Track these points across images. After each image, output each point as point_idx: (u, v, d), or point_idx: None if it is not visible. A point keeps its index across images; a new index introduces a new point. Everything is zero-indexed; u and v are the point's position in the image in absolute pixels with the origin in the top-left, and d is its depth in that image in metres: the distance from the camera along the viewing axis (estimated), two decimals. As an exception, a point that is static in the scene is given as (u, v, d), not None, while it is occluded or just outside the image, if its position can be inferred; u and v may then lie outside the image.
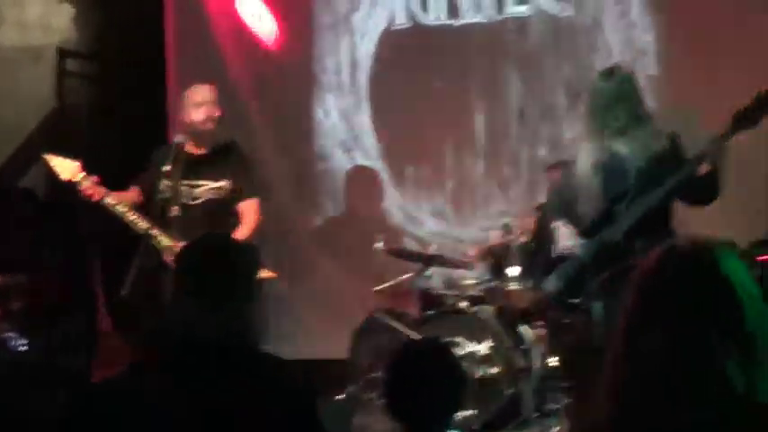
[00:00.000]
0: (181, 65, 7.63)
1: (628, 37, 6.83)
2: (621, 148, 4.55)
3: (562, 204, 4.81)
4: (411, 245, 7.04)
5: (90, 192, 4.92)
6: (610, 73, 4.76)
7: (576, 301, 4.61)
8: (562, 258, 4.67)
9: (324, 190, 7.52)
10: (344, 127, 7.54)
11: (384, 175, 7.40)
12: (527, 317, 5.83)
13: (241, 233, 5.17)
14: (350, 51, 7.52)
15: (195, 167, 5.19)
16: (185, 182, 5.13)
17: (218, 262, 2.67)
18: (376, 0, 7.43)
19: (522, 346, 5.75)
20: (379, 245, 6.32)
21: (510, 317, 5.83)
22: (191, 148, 5.23)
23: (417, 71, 7.30)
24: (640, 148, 4.53)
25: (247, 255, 2.80)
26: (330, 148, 7.54)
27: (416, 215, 7.26)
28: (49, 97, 7.32)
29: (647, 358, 1.87)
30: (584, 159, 4.63)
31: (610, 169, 4.56)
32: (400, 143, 7.39)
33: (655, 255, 1.95)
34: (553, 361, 5.69)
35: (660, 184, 4.47)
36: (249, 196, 5.30)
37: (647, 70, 6.68)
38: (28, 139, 6.93)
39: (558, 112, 7.00)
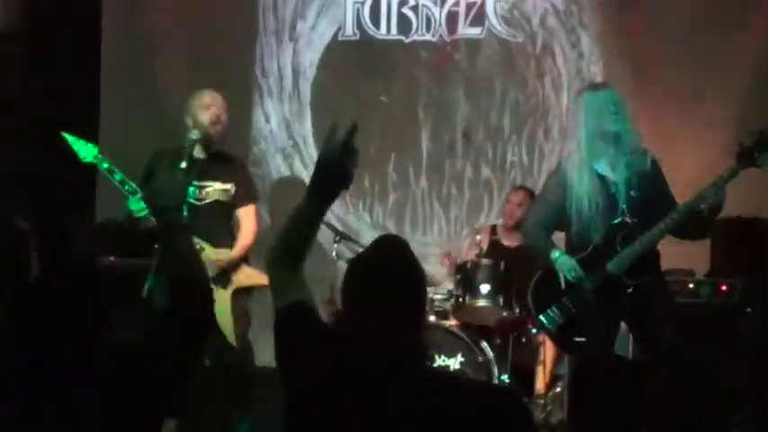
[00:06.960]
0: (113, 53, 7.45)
1: (577, 66, 7.04)
2: (608, 167, 4.59)
3: (551, 223, 4.82)
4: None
5: None
6: (597, 86, 4.90)
7: (582, 339, 4.63)
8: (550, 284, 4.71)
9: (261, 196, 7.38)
10: (285, 134, 7.47)
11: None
12: (489, 333, 5.93)
13: (246, 237, 5.10)
14: (293, 58, 7.46)
15: (202, 168, 5.05)
16: (192, 181, 5.00)
17: (407, 271, 2.62)
18: (325, 11, 7.41)
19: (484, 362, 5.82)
20: (335, 254, 6.26)
21: (475, 333, 5.91)
22: (195, 151, 5.08)
23: (363, 83, 7.33)
24: (626, 165, 4.57)
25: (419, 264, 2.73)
26: (269, 154, 7.46)
27: (355, 227, 7.25)
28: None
29: None
30: (577, 179, 4.65)
31: (600, 192, 4.61)
32: (342, 154, 7.34)
33: None
34: (505, 378, 5.80)
35: (650, 211, 4.56)
36: (248, 202, 5.21)
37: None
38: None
39: (503, 135, 7.16)
